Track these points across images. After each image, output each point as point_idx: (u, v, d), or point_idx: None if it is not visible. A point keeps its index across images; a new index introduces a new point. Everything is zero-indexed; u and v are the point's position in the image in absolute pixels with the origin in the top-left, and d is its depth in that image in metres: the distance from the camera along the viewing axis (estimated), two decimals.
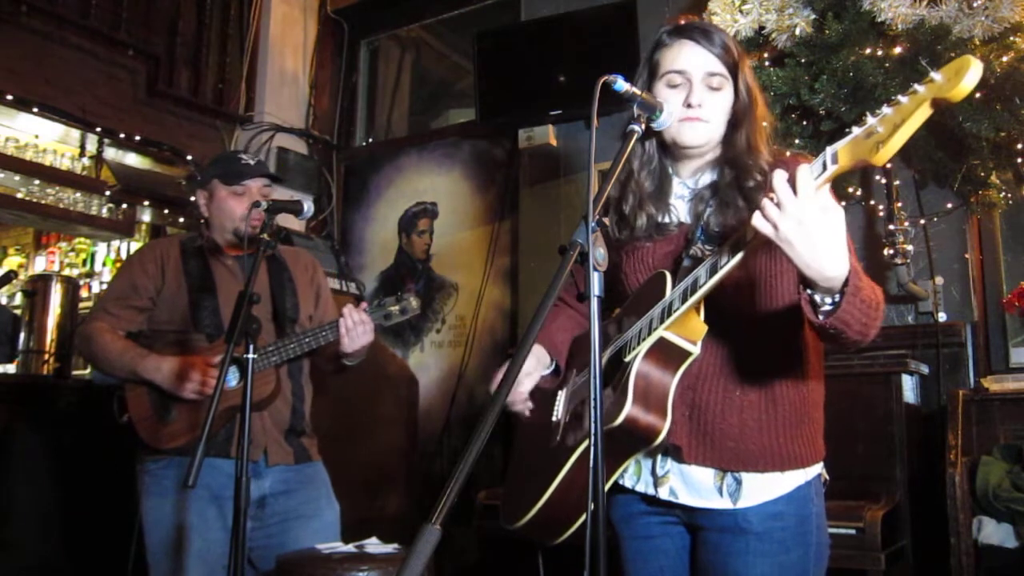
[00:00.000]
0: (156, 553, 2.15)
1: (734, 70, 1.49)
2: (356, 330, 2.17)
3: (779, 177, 1.16)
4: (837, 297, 1.21)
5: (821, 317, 1.22)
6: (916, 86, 1.07)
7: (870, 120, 1.11)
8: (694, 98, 1.46)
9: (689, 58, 1.48)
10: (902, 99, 1.08)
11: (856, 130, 1.13)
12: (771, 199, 1.16)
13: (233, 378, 2.16)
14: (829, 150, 1.16)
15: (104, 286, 4.97)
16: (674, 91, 1.47)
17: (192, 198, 4.29)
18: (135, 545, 2.19)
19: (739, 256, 1.27)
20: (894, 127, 1.08)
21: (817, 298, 1.23)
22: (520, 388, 1.60)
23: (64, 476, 3.24)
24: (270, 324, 2.30)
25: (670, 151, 1.55)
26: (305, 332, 2.23)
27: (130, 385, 2.20)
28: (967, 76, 1.03)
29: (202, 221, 2.39)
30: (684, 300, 1.34)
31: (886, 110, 1.10)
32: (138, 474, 2.23)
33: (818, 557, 1.45)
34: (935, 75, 1.06)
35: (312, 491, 2.29)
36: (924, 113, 1.07)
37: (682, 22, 1.54)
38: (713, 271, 1.30)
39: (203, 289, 2.27)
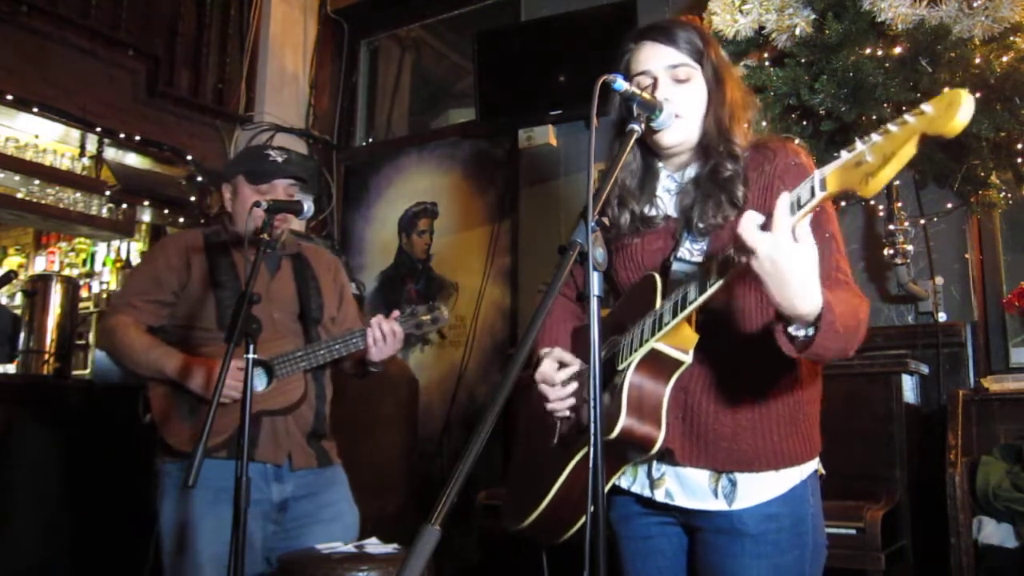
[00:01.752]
0: (172, 553, 2.13)
1: (701, 58, 1.48)
2: (383, 341, 2.16)
3: (748, 220, 1.15)
4: (811, 331, 1.20)
5: (796, 350, 1.22)
6: (907, 116, 1.04)
7: (859, 146, 1.08)
8: (660, 93, 1.46)
9: (650, 57, 1.48)
10: (892, 128, 1.05)
11: (845, 155, 1.10)
12: (739, 238, 1.15)
13: (260, 383, 2.13)
14: (817, 174, 1.13)
15: (104, 286, 4.97)
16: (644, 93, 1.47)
17: (192, 198, 4.33)
18: (154, 546, 2.16)
19: (725, 278, 1.27)
20: (884, 159, 1.05)
21: (791, 329, 1.23)
22: (565, 391, 1.54)
23: (65, 476, 3.24)
24: (296, 324, 2.27)
25: (652, 149, 1.55)
26: (335, 339, 2.20)
27: (153, 384, 2.17)
28: (960, 112, 0.99)
29: (225, 215, 2.34)
30: (674, 314, 1.34)
31: (876, 138, 1.07)
32: (158, 474, 2.19)
33: (815, 557, 1.45)
34: (926, 107, 1.03)
35: (333, 495, 2.27)
36: (912, 148, 1.04)
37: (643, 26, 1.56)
38: (702, 289, 1.30)
39: (227, 286, 2.23)
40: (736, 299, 1.45)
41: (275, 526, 2.17)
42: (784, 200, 1.14)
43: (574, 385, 1.53)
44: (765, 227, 1.15)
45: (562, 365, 1.55)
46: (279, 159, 2.29)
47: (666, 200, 1.56)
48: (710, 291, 1.29)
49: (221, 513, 2.09)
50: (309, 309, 2.29)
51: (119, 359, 2.23)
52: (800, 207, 1.14)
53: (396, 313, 2.21)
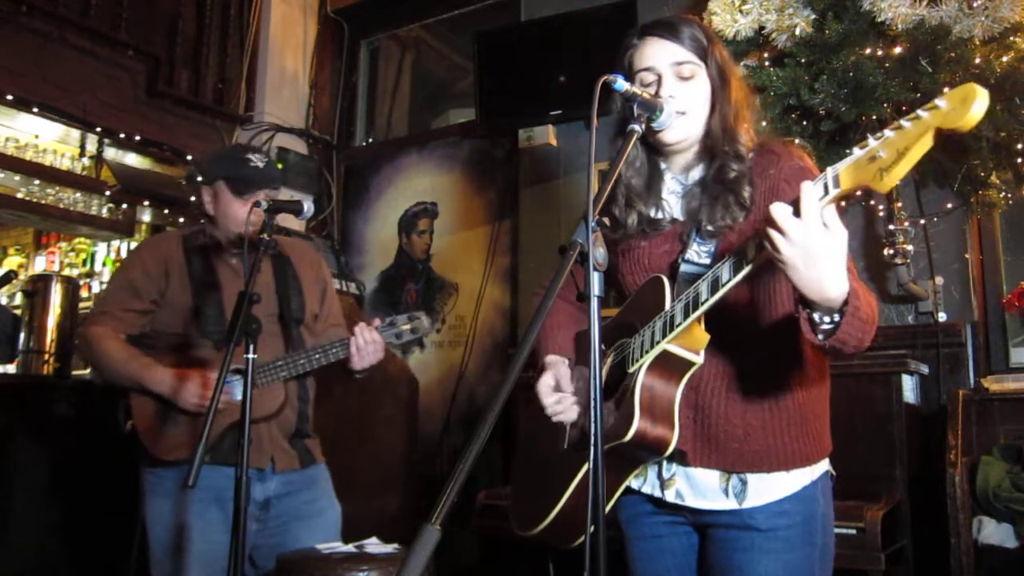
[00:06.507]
0: (158, 554, 2.14)
1: (705, 56, 1.48)
2: (367, 349, 2.15)
3: (779, 207, 1.14)
4: (837, 317, 1.20)
5: (820, 337, 1.22)
6: (920, 111, 1.03)
7: (872, 142, 1.08)
8: (664, 91, 1.45)
9: (654, 53, 1.48)
10: (905, 124, 1.05)
11: (858, 151, 1.10)
12: (773, 222, 1.14)
13: (239, 392, 2.12)
14: (830, 171, 1.13)
15: (104, 286, 4.97)
16: (647, 89, 1.45)
17: (192, 198, 4.31)
18: (137, 546, 2.18)
19: (741, 275, 1.25)
20: (898, 154, 1.05)
21: (816, 317, 1.22)
22: (567, 405, 1.54)
23: (64, 476, 3.24)
24: (275, 325, 2.25)
25: (657, 149, 1.54)
26: (315, 348, 2.19)
27: (135, 393, 2.16)
28: (975, 105, 0.99)
29: (204, 220, 2.32)
30: (686, 315, 1.33)
31: (888, 133, 1.06)
32: (142, 474, 2.20)
33: (824, 557, 1.45)
34: (939, 102, 1.02)
35: (315, 492, 2.28)
36: (927, 143, 1.03)
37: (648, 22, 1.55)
38: (715, 288, 1.29)
39: (207, 291, 2.22)
40: (747, 299, 1.44)
41: (258, 524, 2.18)
42: (810, 186, 1.13)
43: (571, 398, 1.53)
44: (794, 214, 1.14)
45: (558, 387, 1.55)
46: (260, 164, 2.25)
47: (672, 203, 1.55)
48: (725, 289, 1.28)
49: (208, 514, 2.11)
50: (289, 310, 2.28)
51: (98, 368, 2.22)
52: (819, 201, 1.13)
53: (376, 321, 2.19)
